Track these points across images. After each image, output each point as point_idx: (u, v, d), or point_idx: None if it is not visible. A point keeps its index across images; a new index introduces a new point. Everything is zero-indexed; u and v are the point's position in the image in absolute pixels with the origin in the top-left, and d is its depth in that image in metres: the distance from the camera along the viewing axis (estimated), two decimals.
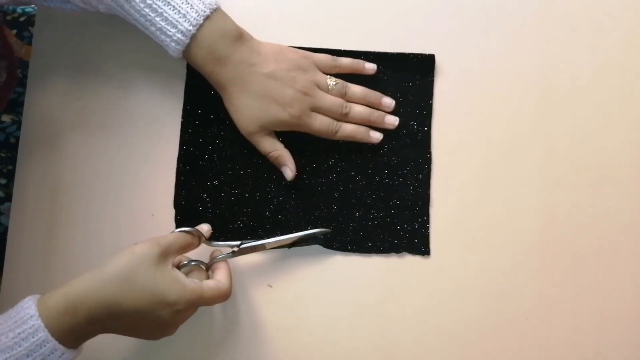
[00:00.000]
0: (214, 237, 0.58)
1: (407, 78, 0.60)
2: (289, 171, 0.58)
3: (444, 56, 0.60)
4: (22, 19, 0.71)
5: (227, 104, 0.56)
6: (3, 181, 0.66)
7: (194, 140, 0.60)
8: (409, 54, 0.59)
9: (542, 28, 0.60)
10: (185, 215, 0.59)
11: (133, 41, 0.60)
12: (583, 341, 0.57)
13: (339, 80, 0.57)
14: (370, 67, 0.59)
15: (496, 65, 0.60)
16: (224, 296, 0.50)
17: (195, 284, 0.49)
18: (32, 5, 0.72)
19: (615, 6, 0.61)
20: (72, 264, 0.60)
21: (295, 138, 0.58)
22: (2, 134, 0.67)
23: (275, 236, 0.57)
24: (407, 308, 0.58)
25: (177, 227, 0.59)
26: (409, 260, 0.58)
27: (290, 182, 0.58)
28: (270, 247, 0.57)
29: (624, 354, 0.57)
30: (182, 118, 0.60)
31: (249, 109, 0.55)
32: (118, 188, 0.60)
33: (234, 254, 0.56)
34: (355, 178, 0.59)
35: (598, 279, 0.58)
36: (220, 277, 0.52)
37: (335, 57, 0.58)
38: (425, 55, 0.59)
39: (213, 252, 0.56)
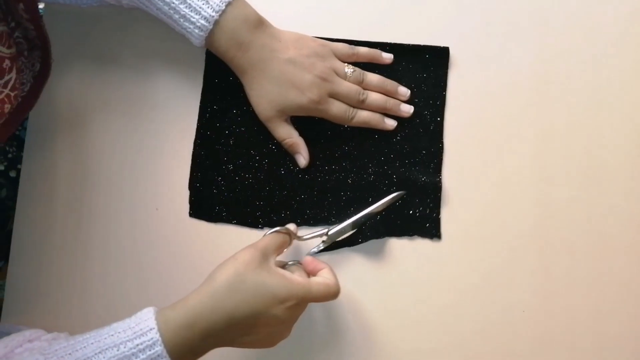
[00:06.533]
0: (230, 220, 0.60)
1: (422, 69, 0.61)
2: (303, 159, 0.59)
3: (459, 49, 0.61)
4: None
5: (247, 88, 0.57)
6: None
7: (211, 124, 0.61)
8: (424, 46, 0.61)
9: (557, 23, 0.61)
10: (199, 198, 0.60)
11: (142, 35, 0.62)
12: (580, 334, 0.59)
13: (357, 68, 0.59)
14: (388, 56, 0.60)
15: (510, 59, 0.61)
16: (333, 293, 0.51)
17: (302, 278, 0.50)
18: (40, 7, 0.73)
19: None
20: (75, 258, 0.61)
21: (309, 125, 0.59)
22: (23, 131, 0.68)
23: (287, 220, 0.59)
24: (408, 291, 0.59)
25: (190, 209, 0.60)
26: (417, 244, 0.59)
27: (303, 169, 0.60)
28: (356, 225, 0.58)
29: (620, 347, 0.58)
30: (200, 102, 0.61)
31: (268, 94, 0.56)
32: (125, 182, 0.61)
33: (324, 243, 0.57)
34: (368, 165, 0.60)
35: (595, 274, 0.59)
36: (325, 275, 0.52)
37: (352, 46, 0.60)
38: (440, 47, 0.61)
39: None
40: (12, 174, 0.64)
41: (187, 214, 0.61)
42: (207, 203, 0.60)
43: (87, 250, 0.61)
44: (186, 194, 0.61)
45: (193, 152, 0.61)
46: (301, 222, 0.60)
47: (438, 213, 0.59)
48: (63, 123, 0.62)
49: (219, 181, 0.60)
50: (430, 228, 0.59)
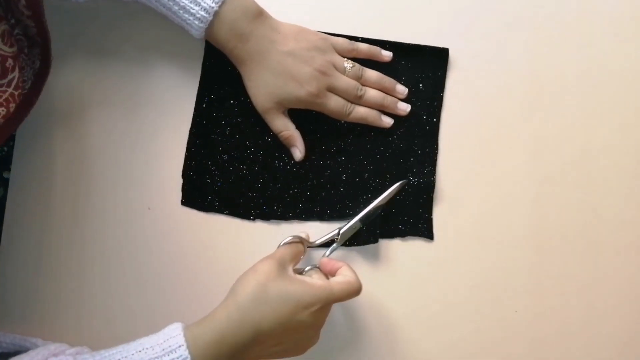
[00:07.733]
0: (221, 210, 0.60)
1: (420, 69, 0.61)
2: (298, 152, 0.59)
3: (458, 51, 0.61)
4: None
5: (245, 79, 0.57)
6: None
7: (207, 113, 0.60)
8: (424, 46, 0.61)
9: (555, 26, 0.62)
10: (192, 186, 0.60)
11: (139, 28, 0.61)
12: (572, 334, 0.59)
13: (356, 64, 0.59)
14: (387, 54, 0.60)
15: (507, 62, 0.61)
16: (355, 290, 0.51)
17: (322, 281, 0.50)
18: None
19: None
20: (68, 259, 0.59)
21: (306, 119, 0.59)
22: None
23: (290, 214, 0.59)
24: (403, 292, 0.59)
25: (183, 197, 0.60)
26: (411, 245, 0.60)
27: (298, 162, 0.60)
28: (364, 220, 0.58)
29: (612, 348, 0.59)
30: (198, 91, 0.61)
31: (266, 85, 0.56)
32: (120, 178, 0.60)
33: (337, 243, 0.57)
34: (363, 162, 0.60)
35: (588, 275, 0.60)
36: (345, 273, 0.52)
37: (352, 41, 0.60)
38: (439, 48, 0.61)
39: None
40: (6, 174, 0.63)
41: (184, 211, 0.60)
42: (200, 192, 0.60)
43: (81, 250, 0.59)
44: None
45: (188, 141, 0.60)
46: (293, 216, 0.60)
47: (430, 213, 0.60)
48: (56, 118, 0.60)
49: (213, 171, 0.60)
50: (423, 228, 0.60)
